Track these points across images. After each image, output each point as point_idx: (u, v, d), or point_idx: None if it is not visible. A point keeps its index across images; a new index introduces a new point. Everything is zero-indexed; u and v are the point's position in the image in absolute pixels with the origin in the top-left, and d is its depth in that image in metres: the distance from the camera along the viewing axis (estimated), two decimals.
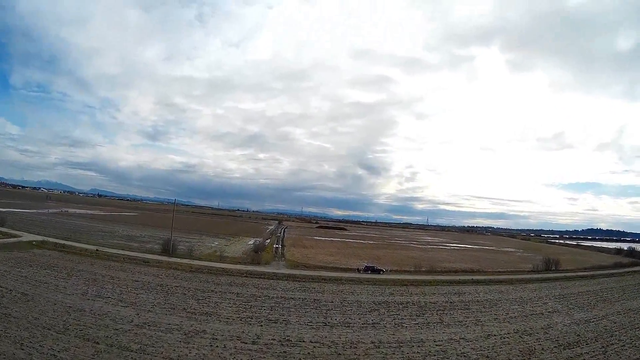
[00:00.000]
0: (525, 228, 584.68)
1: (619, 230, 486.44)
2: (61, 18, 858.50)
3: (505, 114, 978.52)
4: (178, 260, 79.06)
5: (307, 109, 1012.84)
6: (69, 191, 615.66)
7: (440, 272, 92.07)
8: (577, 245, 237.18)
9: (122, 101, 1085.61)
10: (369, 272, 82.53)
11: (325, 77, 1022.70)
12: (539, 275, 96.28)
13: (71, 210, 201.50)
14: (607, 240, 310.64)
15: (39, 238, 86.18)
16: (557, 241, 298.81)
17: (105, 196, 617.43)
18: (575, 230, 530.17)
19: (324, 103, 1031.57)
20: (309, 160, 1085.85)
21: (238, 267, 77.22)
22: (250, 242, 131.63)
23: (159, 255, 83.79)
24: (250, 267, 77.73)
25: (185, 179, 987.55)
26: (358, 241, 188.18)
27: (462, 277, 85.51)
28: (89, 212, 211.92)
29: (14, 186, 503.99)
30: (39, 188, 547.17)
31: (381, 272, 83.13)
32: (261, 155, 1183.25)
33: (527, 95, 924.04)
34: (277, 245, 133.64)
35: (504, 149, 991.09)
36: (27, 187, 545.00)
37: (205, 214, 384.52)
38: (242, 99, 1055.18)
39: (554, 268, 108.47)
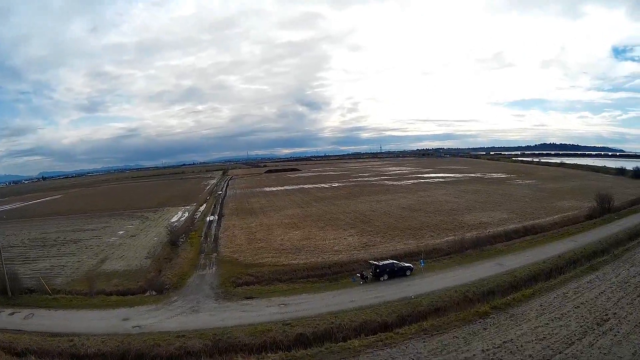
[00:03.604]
0: (476, 147, 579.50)
1: (572, 145, 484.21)
2: None
3: (442, 38, 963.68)
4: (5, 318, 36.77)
5: (238, 56, 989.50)
6: (14, 181, 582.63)
7: (491, 243, 54.07)
8: (562, 164, 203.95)
9: (54, 81, 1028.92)
10: (385, 276, 42.40)
11: (253, 22, 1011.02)
12: (618, 227, 59.87)
13: None
14: (562, 156, 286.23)
15: None
16: (531, 159, 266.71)
17: (52, 177, 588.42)
18: (527, 145, 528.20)
19: (255, 47, 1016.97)
20: (248, 105, 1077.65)
21: (112, 320, 35.47)
22: (174, 219, 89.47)
23: None
24: (137, 313, 36.55)
25: (130, 143, 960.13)
26: (319, 186, 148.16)
27: (538, 259, 47.15)
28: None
29: None
30: None
31: (408, 273, 43.30)
32: (200, 107, 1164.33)
33: (462, 18, 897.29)
34: (211, 218, 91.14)
35: (443, 72, 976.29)
36: None
37: (144, 177, 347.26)
38: (171, 56, 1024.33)
39: (607, 206, 72.54)
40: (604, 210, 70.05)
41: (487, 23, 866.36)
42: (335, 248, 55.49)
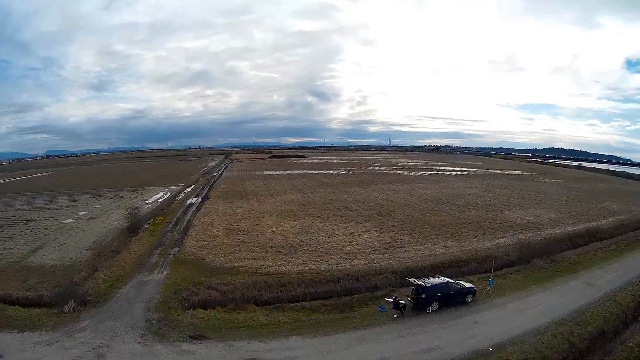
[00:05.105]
0: (483, 147, 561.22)
1: (581, 151, 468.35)
2: None
3: (454, 39, 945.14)
4: None
5: (250, 42, 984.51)
6: (19, 158, 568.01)
7: (559, 251, 38.57)
8: (581, 167, 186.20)
9: (64, 57, 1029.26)
10: (435, 305, 26.44)
11: (268, 9, 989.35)
12: None
13: None
14: (573, 160, 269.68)
15: None
16: (546, 160, 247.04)
17: (57, 156, 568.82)
18: (536, 148, 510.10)
19: (267, 35, 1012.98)
20: (257, 92, 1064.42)
21: None
22: (149, 200, 74.84)
23: None
24: (18, 346, 22.03)
25: (136, 124, 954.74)
26: (326, 172, 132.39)
27: (633, 277, 34.01)
28: None
29: None
30: None
31: (469, 299, 27.53)
32: (209, 92, 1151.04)
33: (476, 20, 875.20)
34: (193, 200, 75.75)
35: (454, 71, 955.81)
36: None
37: (145, 157, 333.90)
38: (184, 38, 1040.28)
39: None
40: None
41: (501, 26, 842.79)
42: (347, 248, 40.05)
